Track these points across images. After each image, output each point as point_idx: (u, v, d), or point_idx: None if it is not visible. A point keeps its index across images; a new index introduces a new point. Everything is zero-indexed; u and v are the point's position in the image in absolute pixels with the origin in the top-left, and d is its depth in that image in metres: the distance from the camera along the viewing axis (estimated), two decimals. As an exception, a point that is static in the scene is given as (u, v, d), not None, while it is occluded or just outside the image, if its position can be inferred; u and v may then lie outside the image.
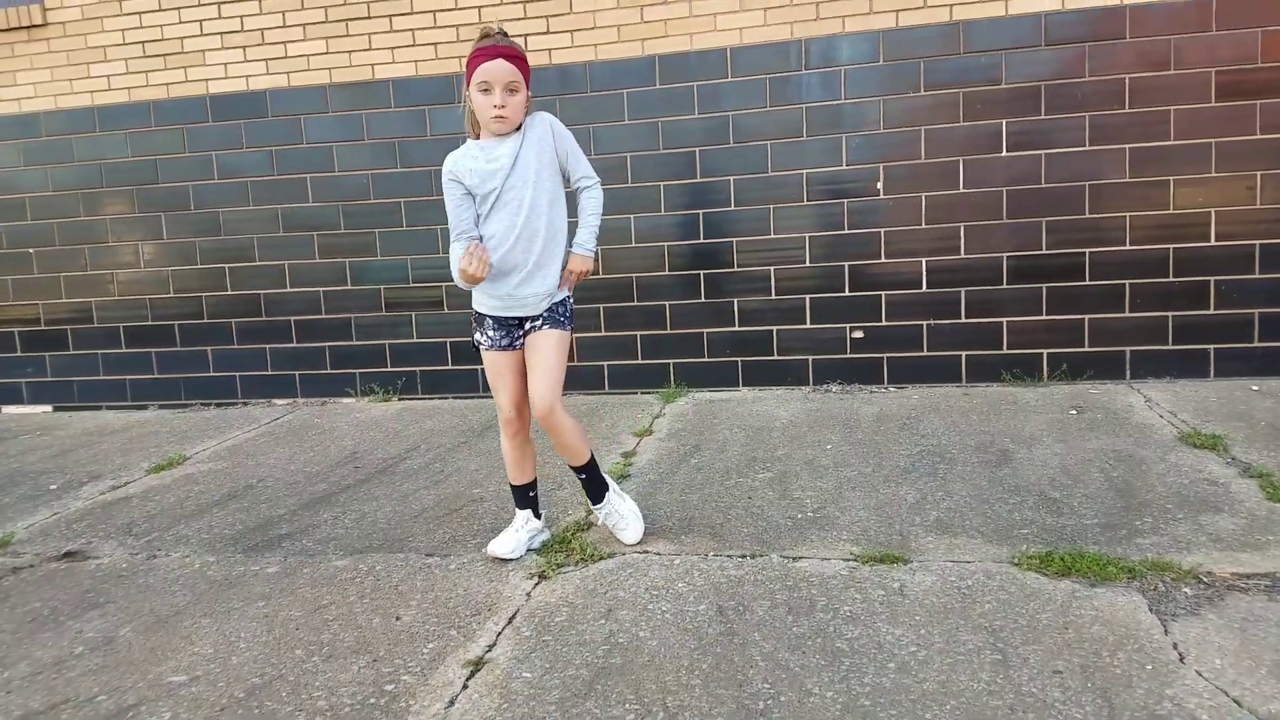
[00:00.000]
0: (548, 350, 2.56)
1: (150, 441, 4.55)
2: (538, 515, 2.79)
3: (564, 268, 2.62)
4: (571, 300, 2.69)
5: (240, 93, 5.24)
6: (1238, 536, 2.56)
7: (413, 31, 5.03)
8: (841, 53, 4.57)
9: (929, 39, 4.48)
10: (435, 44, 5.00)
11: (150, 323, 5.51)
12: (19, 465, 4.25)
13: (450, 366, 5.23)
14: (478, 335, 2.63)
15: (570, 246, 2.63)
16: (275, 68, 5.20)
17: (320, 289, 5.31)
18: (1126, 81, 4.35)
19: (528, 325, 2.60)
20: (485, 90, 2.42)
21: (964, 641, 2.05)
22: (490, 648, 2.16)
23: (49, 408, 5.68)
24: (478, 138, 2.55)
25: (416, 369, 5.27)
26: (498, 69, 2.41)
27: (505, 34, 2.51)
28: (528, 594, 2.45)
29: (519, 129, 2.51)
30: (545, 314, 2.59)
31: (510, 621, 2.28)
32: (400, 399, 5.26)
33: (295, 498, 3.47)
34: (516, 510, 2.77)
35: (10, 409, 5.70)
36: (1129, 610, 2.15)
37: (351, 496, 3.43)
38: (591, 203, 2.65)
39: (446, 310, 5.17)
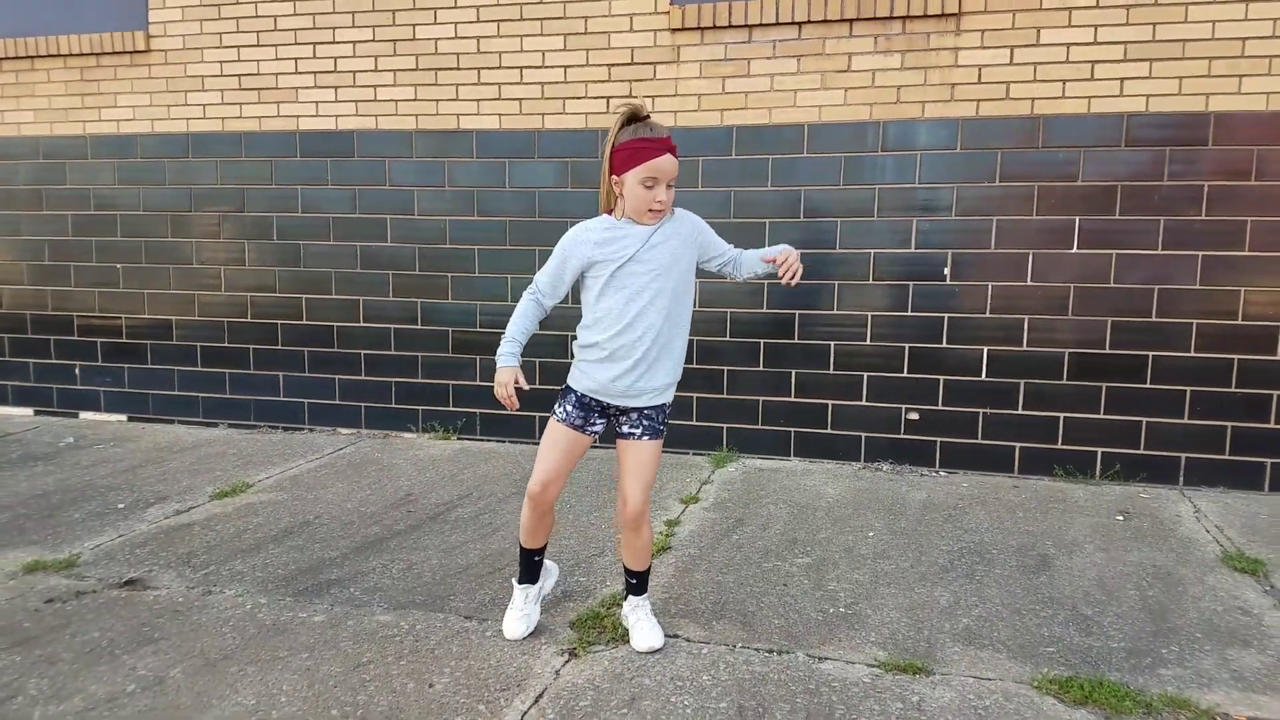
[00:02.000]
0: (648, 457, 2.58)
1: (217, 464, 4.76)
2: (537, 580, 2.79)
3: (675, 375, 2.63)
4: (669, 407, 2.66)
5: (329, 131, 5.49)
6: (1261, 676, 2.53)
7: (499, 85, 5.22)
8: (919, 137, 4.63)
9: (1008, 131, 4.51)
10: (520, 99, 5.18)
11: (226, 344, 5.76)
12: (90, 478, 4.48)
13: (508, 411, 5.34)
14: (558, 405, 2.63)
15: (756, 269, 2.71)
16: (364, 110, 5.44)
17: (391, 326, 5.50)
18: (1205, 188, 4.32)
19: (621, 424, 2.60)
20: (650, 185, 2.43)
21: (978, 772, 2.07)
22: (516, 728, 2.24)
23: (124, 417, 5.96)
24: (609, 214, 2.57)
25: (477, 410, 5.42)
26: (669, 166, 2.44)
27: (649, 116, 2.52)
28: (557, 671, 2.53)
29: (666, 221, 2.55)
30: (646, 421, 2.58)
31: (536, 701, 2.36)
32: (459, 438, 5.41)
33: (348, 539, 3.61)
34: (515, 585, 2.78)
35: (88, 415, 6.00)
36: (1147, 754, 2.15)
37: (401, 543, 3.56)
38: (750, 256, 2.68)
39: (508, 356, 5.29)
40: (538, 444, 4.82)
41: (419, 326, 5.47)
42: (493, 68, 5.21)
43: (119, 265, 5.87)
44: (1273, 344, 4.31)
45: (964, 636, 2.76)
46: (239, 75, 5.56)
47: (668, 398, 2.62)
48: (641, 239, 2.49)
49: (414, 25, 5.29)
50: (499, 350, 2.62)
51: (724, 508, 4.02)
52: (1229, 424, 4.40)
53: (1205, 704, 2.36)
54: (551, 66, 5.12)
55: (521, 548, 2.75)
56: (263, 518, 3.87)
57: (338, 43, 5.41)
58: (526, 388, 2.58)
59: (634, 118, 2.46)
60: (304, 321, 5.64)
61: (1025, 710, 2.33)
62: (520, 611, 2.75)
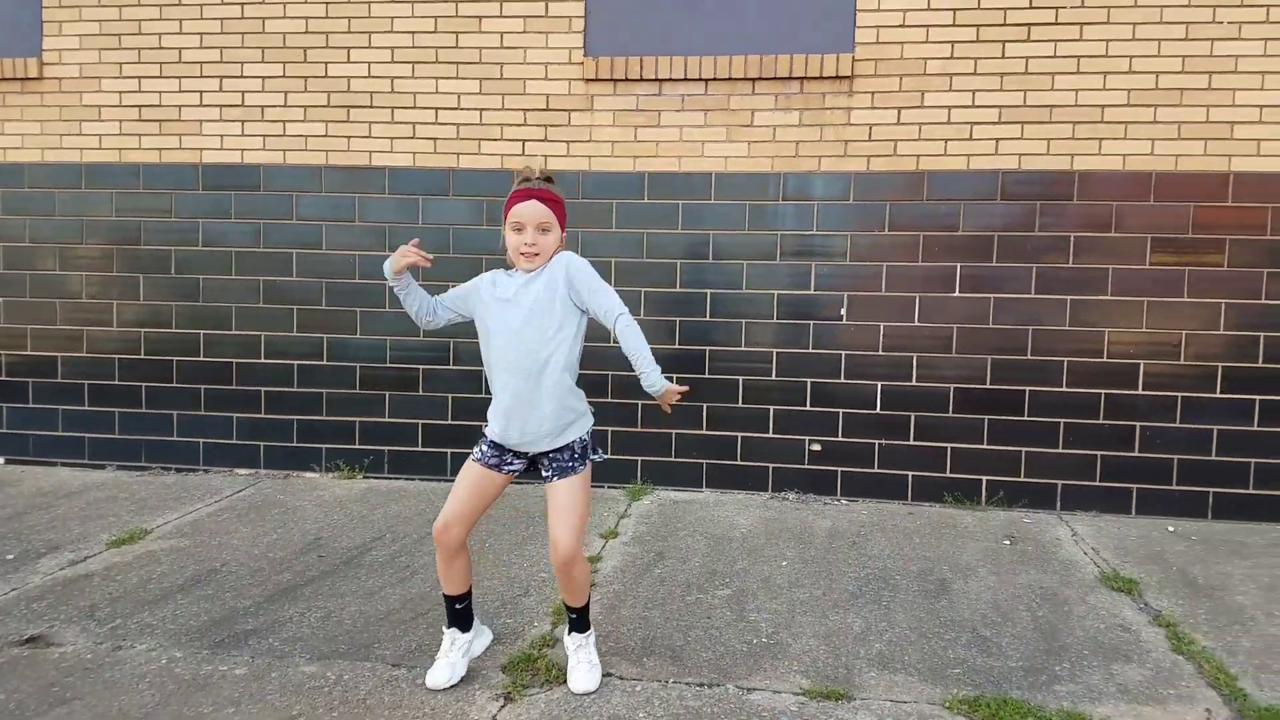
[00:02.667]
0: (566, 498, 2.63)
1: (109, 509, 4.58)
2: (467, 629, 2.80)
3: (574, 414, 2.69)
4: (584, 439, 2.72)
5: (234, 164, 5.40)
6: (1143, 689, 2.81)
7: (413, 125, 5.26)
8: (816, 189, 4.91)
9: (895, 184, 4.83)
10: (435, 139, 5.23)
11: (116, 382, 5.55)
12: (-25, 525, 4.24)
13: (419, 448, 5.35)
14: (476, 444, 2.73)
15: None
16: (272, 144, 5.38)
17: (295, 362, 5.42)
18: (1071, 239, 4.73)
19: (540, 467, 2.70)
20: (518, 229, 2.61)
21: (904, 789, 2.24)
22: (462, 770, 2.29)
23: (0, 459, 5.64)
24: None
25: (385, 448, 5.38)
26: (531, 210, 2.60)
27: (548, 178, 2.70)
28: (493, 717, 2.58)
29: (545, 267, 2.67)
30: (555, 464, 2.66)
31: (480, 743, 2.41)
32: (365, 477, 5.35)
33: (260, 587, 3.55)
34: (444, 629, 2.79)
35: (-38, 456, 5.66)
36: (1050, 764, 2.37)
37: (316, 590, 3.52)
38: (630, 339, 2.65)
39: (421, 392, 5.31)
40: (448, 481, 4.86)
41: (324, 362, 5.41)
42: (407, 107, 5.25)
43: (0, 299, 5.59)
44: (1135, 379, 4.74)
45: (878, 661, 2.96)
46: (139, 106, 5.42)
47: (570, 438, 2.67)
48: (518, 285, 2.64)
49: (326, 63, 5.29)
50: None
51: (643, 542, 4.14)
52: (1099, 453, 4.81)
53: (1098, 717, 2.61)
54: (467, 109, 5.20)
55: (444, 594, 2.78)
56: (166, 566, 3.76)
57: (246, 77, 5.35)
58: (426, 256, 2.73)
59: (524, 180, 2.67)
60: (201, 358, 5.49)
61: (940, 730, 2.52)
62: (445, 659, 2.75)
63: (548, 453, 2.67)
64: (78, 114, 5.49)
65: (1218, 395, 4.70)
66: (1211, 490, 4.74)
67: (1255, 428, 4.68)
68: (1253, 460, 4.69)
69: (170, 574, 3.66)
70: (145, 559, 3.84)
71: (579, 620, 2.78)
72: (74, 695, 2.66)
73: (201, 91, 5.40)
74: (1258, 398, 4.67)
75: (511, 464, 2.71)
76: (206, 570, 3.72)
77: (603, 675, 2.77)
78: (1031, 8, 4.69)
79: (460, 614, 2.78)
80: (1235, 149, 4.58)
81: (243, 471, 5.46)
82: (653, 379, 2.62)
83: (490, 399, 2.75)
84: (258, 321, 5.43)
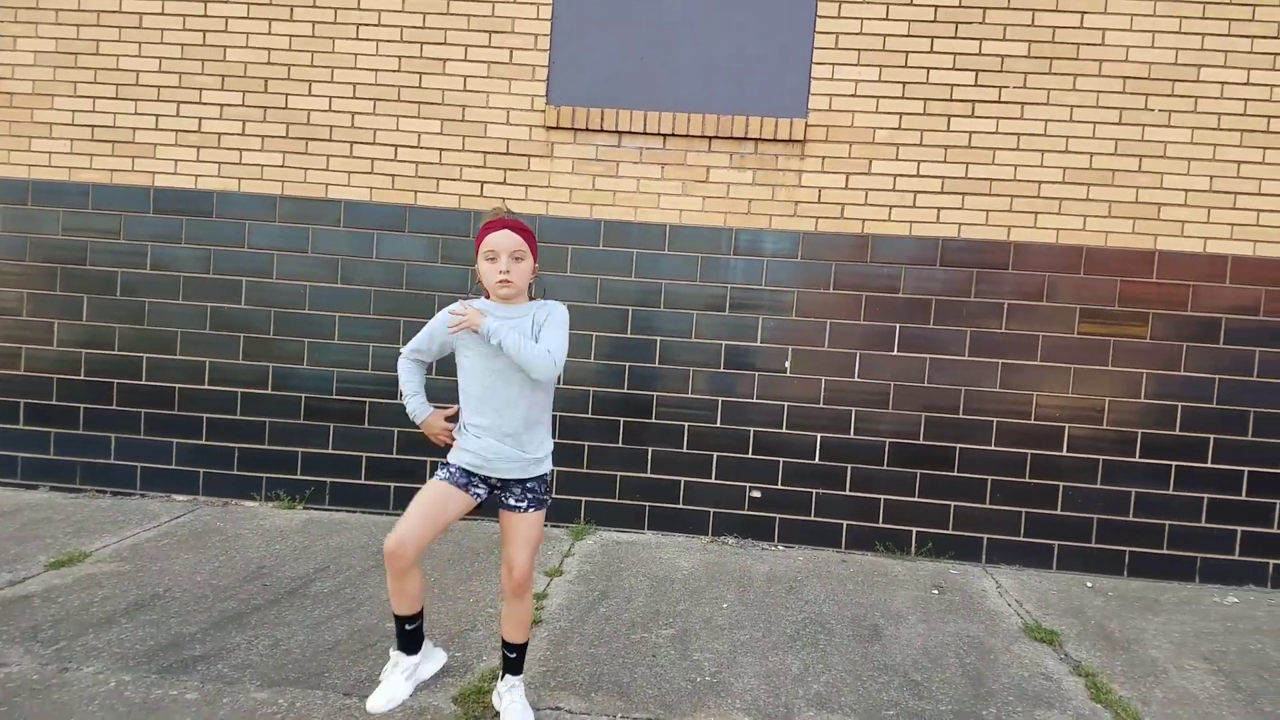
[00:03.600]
0: (532, 525, 2.74)
1: (45, 530, 4.48)
2: (414, 652, 2.84)
3: (548, 446, 2.81)
4: (550, 479, 2.84)
5: (187, 189, 5.39)
6: (1069, 735, 2.97)
7: (372, 160, 5.32)
8: (766, 245, 5.10)
9: (842, 245, 5.06)
10: (393, 175, 5.31)
11: (54, 402, 5.44)
12: (-100, 543, 4.11)
13: (362, 480, 5.34)
14: (440, 468, 2.76)
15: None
16: (227, 171, 5.39)
17: (239, 389, 5.38)
18: (1005, 306, 5.00)
19: (506, 498, 2.75)
20: (491, 258, 2.67)
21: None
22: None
23: (-75, 475, 5.46)
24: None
25: (326, 479, 5.35)
26: (504, 238, 2.67)
27: (512, 213, 2.78)
28: (449, 744, 2.62)
29: (527, 304, 2.75)
30: (530, 494, 2.75)
31: (436, 772, 2.45)
32: (305, 507, 5.31)
33: (205, 614, 3.52)
34: (390, 650, 2.84)
35: (-118, 472, 5.46)
36: (980, 803, 2.49)
37: (263, 619, 3.51)
38: (527, 347, 2.63)
39: (367, 424, 5.31)
40: (390, 514, 4.88)
41: (269, 391, 5.39)
42: (366, 143, 5.32)
43: (-67, 312, 5.45)
44: (1060, 441, 5.00)
45: (816, 702, 3.07)
46: (92, 126, 5.39)
47: (544, 470, 2.78)
48: (501, 317, 2.68)
49: (286, 94, 5.34)
50: (409, 409, 2.87)
51: (587, 580, 4.20)
52: (1024, 509, 5.04)
53: (1020, 757, 2.75)
54: (427, 148, 5.29)
55: (394, 614, 2.80)
56: (108, 590, 3.70)
57: (204, 103, 5.37)
58: (450, 412, 2.82)
59: (494, 214, 2.75)
60: (143, 382, 5.42)
61: (877, 767, 2.64)
62: (386, 681, 2.80)
63: (522, 481, 2.74)
64: (27, 130, 5.44)
65: (1137, 460, 4.98)
66: (1128, 549, 4.99)
67: (1171, 491, 4.96)
68: (1167, 522, 4.97)
69: (113, 598, 3.61)
70: (86, 582, 3.77)
71: (517, 661, 2.81)
72: (23, 716, 2.61)
73: (158, 115, 5.40)
74: (1174, 463, 4.96)
75: (478, 488, 2.75)
76: (149, 595, 3.66)
77: (551, 709, 2.82)
78: (976, 85, 5.00)
79: (410, 635, 2.82)
80: (1161, 229, 4.92)
81: (180, 497, 5.38)
82: (495, 330, 2.66)
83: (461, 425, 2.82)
84: (203, 348, 5.39)
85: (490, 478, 2.75)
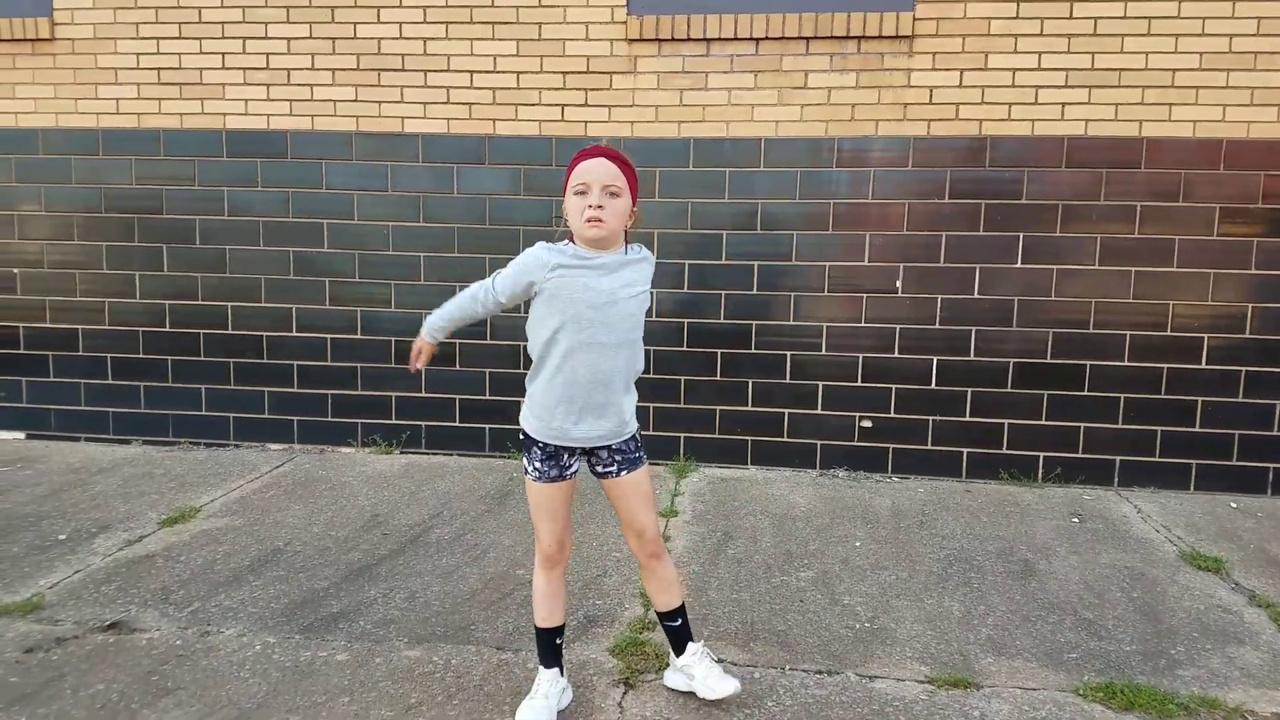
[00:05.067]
0: (643, 482, 2.37)
1: (148, 485, 4.41)
2: (558, 662, 2.45)
3: (632, 409, 2.40)
4: (639, 434, 2.44)
5: (259, 130, 5.17)
6: (1267, 673, 2.73)
7: (447, 89, 5.04)
8: (872, 154, 4.75)
9: (957, 149, 4.69)
10: (470, 104, 5.03)
11: (141, 355, 5.35)
12: (10, 505, 4.06)
13: (457, 423, 5.20)
14: (525, 460, 2.36)
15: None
16: (299, 109, 5.15)
17: (328, 335, 5.24)
18: (1138, 209, 4.62)
19: (594, 463, 2.38)
20: (581, 192, 2.21)
21: (1062, 783, 2.14)
22: (602, 767, 2.17)
23: (21, 434, 5.44)
24: None
25: (422, 423, 5.22)
26: (598, 167, 2.21)
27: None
28: (619, 704, 2.46)
29: (623, 251, 2.32)
30: (620, 456, 2.35)
31: (614, 737, 2.29)
32: (402, 452, 5.20)
33: (332, 567, 3.40)
34: (541, 669, 2.40)
35: (-21, 433, 5.45)
36: (1202, 754, 2.28)
37: (392, 570, 3.38)
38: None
39: (459, 366, 5.15)
40: (488, 456, 4.71)
41: (358, 336, 5.23)
42: (440, 70, 5.03)
43: (16, 270, 5.36)
44: (1199, 354, 4.65)
45: (991, 647, 2.86)
46: (158, 69, 5.17)
47: (633, 428, 2.39)
48: (609, 272, 2.28)
49: (355, 23, 5.05)
50: (434, 323, 2.45)
51: (705, 521, 4.02)
52: (1159, 428, 4.73)
53: (1233, 702, 2.53)
54: (503, 72, 4.99)
55: (540, 631, 2.41)
56: (227, 546, 3.60)
57: (270, 38, 5.11)
58: (417, 368, 2.45)
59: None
60: (229, 331, 5.30)
61: (1078, 719, 2.42)
62: (542, 698, 2.35)
63: (610, 445, 2.35)
64: (93, 77, 5.24)
65: (1283, 369, 4.61)
66: (1272, 466, 4.67)
67: (1320, 401, 4.60)
68: (1316, 434, 4.62)
69: (234, 554, 3.51)
70: (203, 539, 3.68)
71: (684, 627, 2.47)
72: (176, 685, 2.51)
73: (224, 54, 5.16)
74: (1324, 371, 4.59)
75: (569, 465, 2.35)
76: (271, 550, 3.56)
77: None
78: (1101, -33, 4.53)
79: (559, 650, 2.44)
80: (1310, 116, 4.47)
81: (275, 447, 5.29)
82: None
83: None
84: (288, 294, 5.24)
85: (575, 449, 2.34)
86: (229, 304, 5.28)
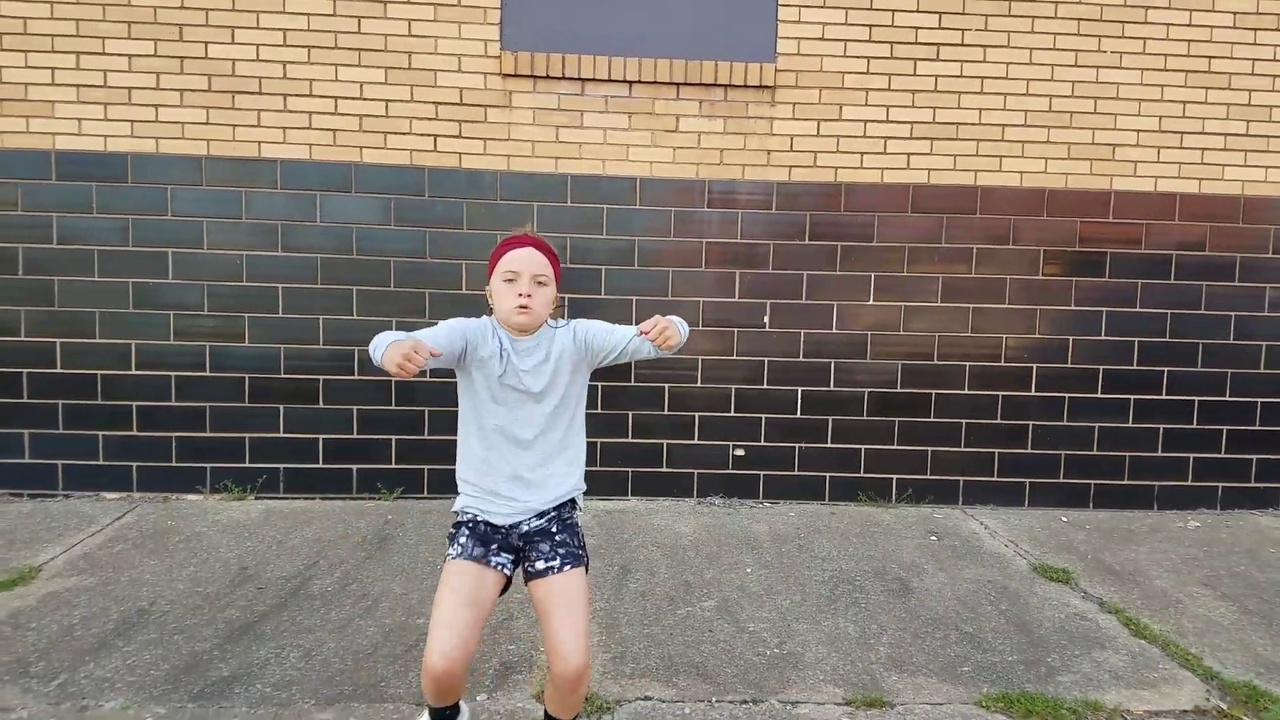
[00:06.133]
0: (576, 589, 2.15)
1: (-29, 544, 3.93)
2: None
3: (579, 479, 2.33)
4: (580, 529, 2.33)
5: (95, 153, 4.78)
6: (1130, 674, 3.04)
7: (309, 114, 4.86)
8: (740, 197, 4.97)
9: (815, 195, 4.98)
10: (334, 130, 4.86)
11: (-50, 397, 4.78)
12: None
13: (320, 464, 4.95)
14: (450, 543, 2.23)
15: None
16: (142, 130, 4.81)
17: (172, 373, 4.88)
18: (974, 251, 5.05)
19: (533, 558, 2.21)
20: (510, 280, 2.20)
21: (986, 790, 2.30)
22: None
23: None
24: None
25: (280, 465, 4.94)
26: (527, 257, 2.21)
27: (536, 232, 2.33)
28: (557, 751, 2.41)
29: (540, 335, 2.28)
30: (563, 548, 2.20)
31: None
32: (258, 497, 4.89)
33: (209, 627, 3.16)
34: None
35: None
36: (1095, 753, 2.51)
37: (277, 627, 3.18)
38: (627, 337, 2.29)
39: (322, 404, 4.92)
40: (356, 499, 4.54)
41: (207, 373, 4.91)
42: (302, 95, 4.85)
43: None
44: (1029, 381, 5.13)
45: (892, 665, 3.02)
46: (-27, 81, 4.68)
47: (571, 515, 2.31)
48: (538, 360, 2.25)
49: (205, 42, 4.79)
50: (375, 344, 2.02)
51: (600, 554, 4.02)
52: (996, 450, 5.16)
53: (1111, 703, 2.80)
54: (371, 99, 4.87)
55: (430, 707, 2.26)
56: (84, 609, 3.27)
57: (108, 54, 4.75)
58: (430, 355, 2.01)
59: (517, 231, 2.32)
60: (58, 370, 4.83)
61: (990, 729, 2.61)
62: None
63: (548, 532, 2.23)
64: (-108, 85, 4.68)
65: (1100, 395, 5.16)
66: (1093, 482, 5.19)
67: (1130, 424, 5.17)
68: (1127, 454, 5.18)
69: (93, 618, 3.18)
70: (52, 602, 3.31)
71: None
72: (60, 774, 2.25)
73: (53, 68, 4.75)
74: (1132, 397, 5.16)
75: (500, 556, 2.19)
76: (135, 611, 3.26)
77: (640, 699, 2.64)
78: (940, 27, 4.96)
79: (451, 715, 2.30)
80: (1116, 169, 5.04)
81: (111, 495, 4.85)
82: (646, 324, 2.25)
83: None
84: (127, 329, 4.85)
85: (511, 534, 2.23)
86: (58, 340, 4.82)
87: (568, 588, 2.15)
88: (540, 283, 2.23)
